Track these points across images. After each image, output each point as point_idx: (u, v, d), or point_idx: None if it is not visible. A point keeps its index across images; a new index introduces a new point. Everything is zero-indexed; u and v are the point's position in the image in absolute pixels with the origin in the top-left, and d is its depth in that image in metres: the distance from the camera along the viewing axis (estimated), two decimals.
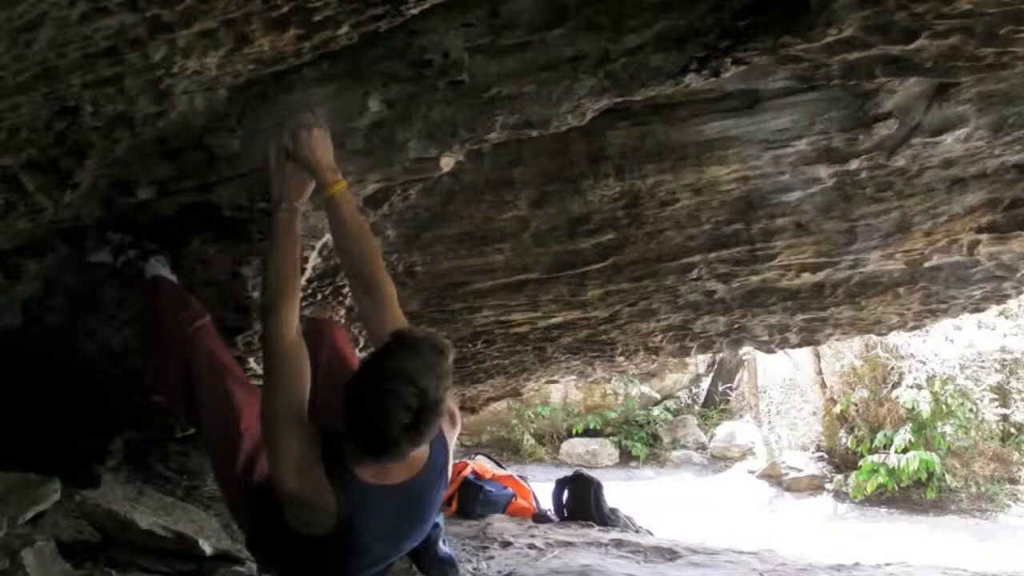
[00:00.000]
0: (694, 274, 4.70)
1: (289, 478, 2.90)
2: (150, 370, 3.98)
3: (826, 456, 15.80)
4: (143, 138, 3.01)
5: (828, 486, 15.09)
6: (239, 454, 3.28)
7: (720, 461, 17.37)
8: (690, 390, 19.46)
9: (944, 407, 14.06)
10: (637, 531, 8.01)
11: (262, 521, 3.18)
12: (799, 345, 6.07)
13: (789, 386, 17.22)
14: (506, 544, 6.39)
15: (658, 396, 18.54)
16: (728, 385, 19.30)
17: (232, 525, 4.69)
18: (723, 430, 17.99)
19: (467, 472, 8.06)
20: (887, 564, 6.63)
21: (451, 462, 3.24)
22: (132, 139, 2.98)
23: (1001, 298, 5.40)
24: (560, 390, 16.72)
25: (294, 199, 3.19)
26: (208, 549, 4.14)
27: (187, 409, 3.57)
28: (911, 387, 14.14)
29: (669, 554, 6.46)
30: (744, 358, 17.93)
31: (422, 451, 3.00)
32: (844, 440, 15.31)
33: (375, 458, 2.91)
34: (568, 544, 6.56)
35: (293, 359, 3.07)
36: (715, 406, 18.98)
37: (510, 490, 8.22)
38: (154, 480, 5.66)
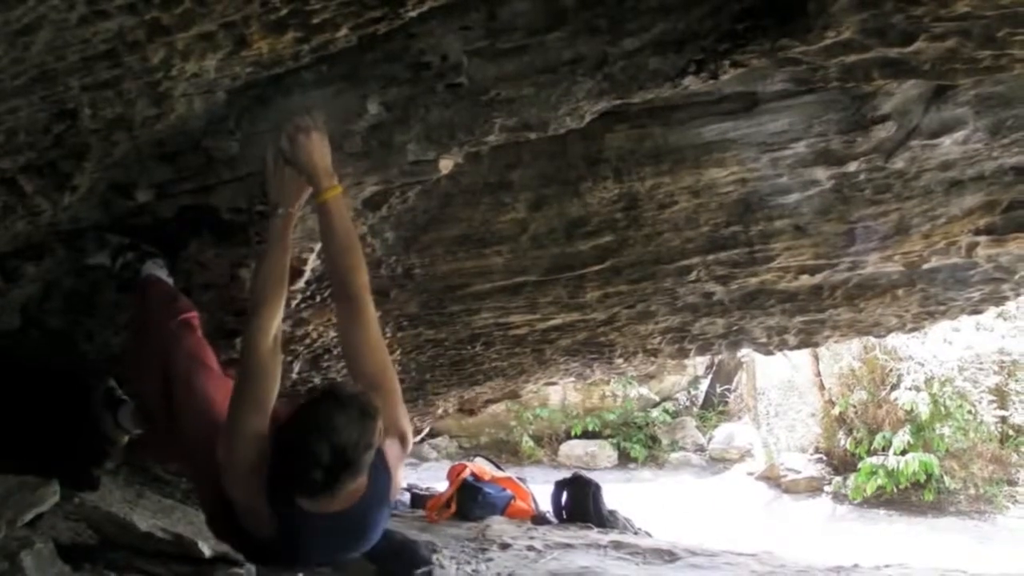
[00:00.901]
0: (693, 276, 4.70)
1: (235, 484, 2.96)
2: (129, 365, 3.99)
3: (825, 458, 15.81)
4: (141, 141, 3.01)
5: (827, 488, 15.10)
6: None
7: (719, 463, 17.38)
8: (689, 392, 19.48)
9: (943, 409, 14.07)
10: (636, 533, 8.01)
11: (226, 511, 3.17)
12: (798, 347, 6.07)
13: (788, 388, 17.23)
14: (505, 546, 6.40)
15: (657, 398, 18.55)
16: (727, 387, 19.31)
17: None
18: (722, 432, 18.01)
19: (466, 474, 8.07)
20: (886, 566, 6.63)
21: (398, 484, 3.22)
22: (130, 142, 2.98)
23: (999, 300, 5.41)
24: (559, 392, 16.74)
25: (290, 204, 3.20)
26: (207, 551, 4.13)
27: (161, 406, 3.52)
28: (910, 389, 14.14)
29: (668, 556, 6.47)
30: (743, 360, 17.94)
31: (358, 484, 2.95)
32: (843, 442, 15.32)
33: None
34: (567, 546, 6.57)
35: (263, 368, 3.08)
36: (714, 408, 19.00)
37: (509, 492, 8.23)
38: (152, 482, 5.66)
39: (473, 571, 5.69)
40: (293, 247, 3.32)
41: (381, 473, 3.05)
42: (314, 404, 2.90)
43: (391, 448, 3.10)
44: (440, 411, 7.52)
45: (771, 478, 15.91)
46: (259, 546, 3.13)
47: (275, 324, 3.15)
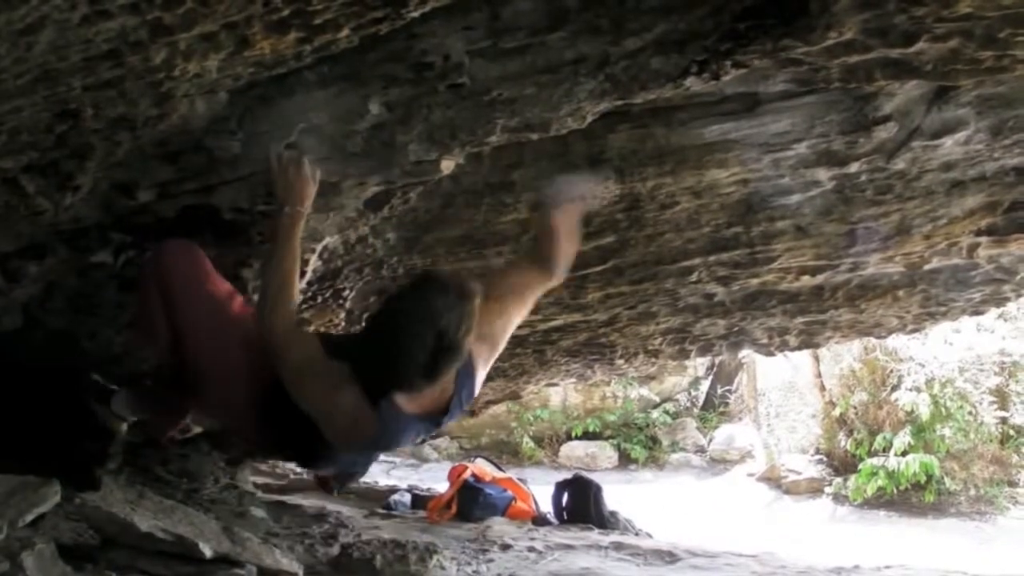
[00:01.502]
0: (694, 277, 4.71)
1: (339, 417, 3.13)
2: (139, 330, 3.90)
3: (825, 459, 15.80)
4: (144, 140, 3.01)
5: (827, 489, 15.09)
6: (236, 347, 3.36)
7: (719, 464, 17.38)
8: (689, 393, 19.48)
9: (943, 410, 14.07)
10: (637, 534, 8.01)
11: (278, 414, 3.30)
12: (798, 348, 6.08)
13: (788, 389, 17.22)
14: (506, 547, 6.39)
15: (657, 399, 18.55)
16: (727, 388, 19.31)
17: (232, 527, 4.69)
18: (722, 433, 18.01)
19: (467, 475, 8.06)
20: (887, 567, 6.62)
21: (476, 389, 3.40)
22: (133, 141, 2.99)
23: (1000, 301, 5.41)
24: (559, 393, 16.75)
25: (298, 204, 3.21)
26: (208, 552, 4.13)
27: (169, 339, 3.49)
28: (910, 390, 14.15)
29: (668, 557, 6.46)
30: (743, 361, 17.93)
31: (447, 384, 3.16)
32: (843, 443, 15.31)
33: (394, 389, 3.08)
34: (568, 547, 6.56)
35: (301, 336, 3.33)
36: (714, 409, 19.00)
37: (509, 493, 8.22)
38: (154, 483, 5.66)
39: (474, 572, 5.69)
40: None
41: (466, 380, 3.24)
42: (410, 290, 3.06)
43: (480, 351, 3.29)
44: None
45: (772, 479, 15.91)
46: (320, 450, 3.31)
47: (294, 319, 3.29)
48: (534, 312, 4.86)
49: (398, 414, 3.11)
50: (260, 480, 8.26)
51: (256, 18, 2.49)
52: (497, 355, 3.49)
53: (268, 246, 3.34)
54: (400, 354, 2.95)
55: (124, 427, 4.27)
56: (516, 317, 3.50)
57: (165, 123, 2.93)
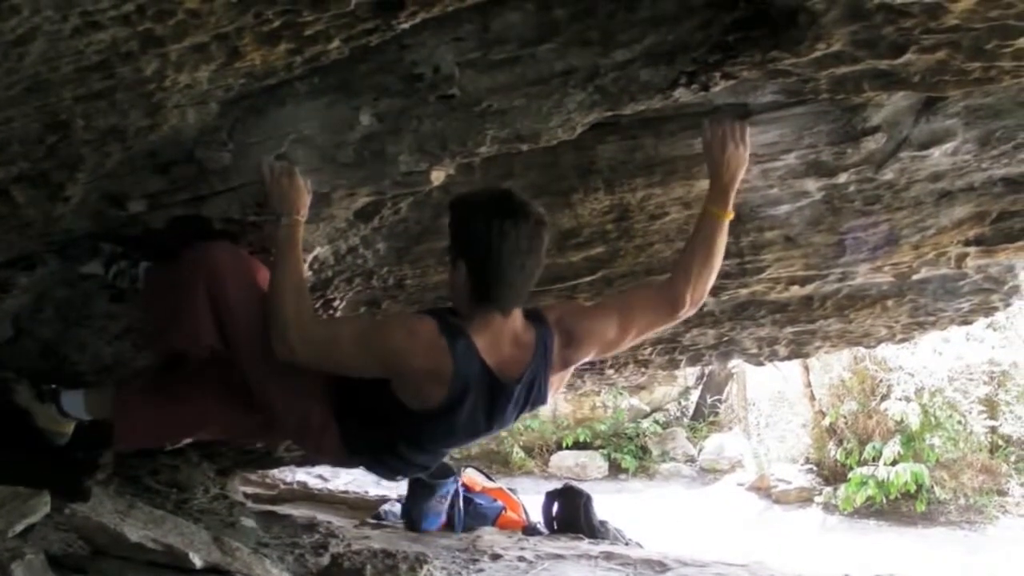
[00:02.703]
0: None
1: (419, 361, 3.12)
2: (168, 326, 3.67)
3: (815, 468, 15.82)
4: (134, 151, 3.02)
5: (817, 498, 15.10)
6: None
7: (709, 473, 17.38)
8: (679, 403, 19.49)
9: (933, 419, 14.10)
10: (627, 543, 8.02)
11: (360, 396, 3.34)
12: (788, 358, 6.08)
13: (778, 399, 17.27)
14: (496, 557, 6.40)
15: (647, 409, 18.55)
16: (717, 397, 19.32)
17: (223, 537, 4.69)
18: (712, 442, 18.00)
19: (457, 485, 8.07)
20: None
21: (552, 389, 3.44)
22: (123, 152, 2.99)
23: (989, 310, 5.42)
24: (549, 403, 16.71)
25: (294, 212, 3.22)
26: (198, 562, 4.13)
27: (219, 334, 3.45)
28: (900, 399, 14.17)
29: (659, 567, 6.48)
30: (733, 371, 17.97)
31: (525, 348, 3.25)
32: (833, 452, 15.33)
33: (485, 302, 3.17)
34: (558, 557, 6.58)
35: (331, 324, 3.51)
36: (704, 419, 19.01)
37: (500, 503, 8.24)
38: (144, 493, 5.66)
39: None
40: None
41: (544, 350, 3.29)
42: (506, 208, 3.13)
43: (561, 336, 3.35)
44: None
45: (761, 489, 15.91)
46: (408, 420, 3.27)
47: (311, 323, 3.30)
48: None
49: (474, 355, 3.13)
50: (250, 490, 8.27)
51: (247, 29, 2.50)
52: (579, 361, 3.49)
53: (273, 259, 3.34)
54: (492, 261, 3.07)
55: (70, 429, 4.09)
56: (612, 332, 3.45)
57: (156, 134, 2.93)
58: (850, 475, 14.42)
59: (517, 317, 3.24)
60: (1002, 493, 14.50)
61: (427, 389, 3.15)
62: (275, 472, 9.09)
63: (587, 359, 3.56)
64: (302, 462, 7.37)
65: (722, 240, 3.52)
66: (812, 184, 4.06)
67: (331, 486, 9.97)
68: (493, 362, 3.17)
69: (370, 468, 3.75)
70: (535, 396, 3.33)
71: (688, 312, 3.52)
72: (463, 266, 3.14)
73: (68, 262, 3.60)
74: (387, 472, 3.74)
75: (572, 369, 3.55)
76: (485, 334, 3.17)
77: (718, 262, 3.54)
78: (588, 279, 4.55)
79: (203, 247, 3.43)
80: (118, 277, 3.62)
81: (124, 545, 4.07)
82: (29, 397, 3.97)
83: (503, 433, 16.45)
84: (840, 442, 15.28)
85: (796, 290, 4.91)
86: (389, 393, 3.21)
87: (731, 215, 3.54)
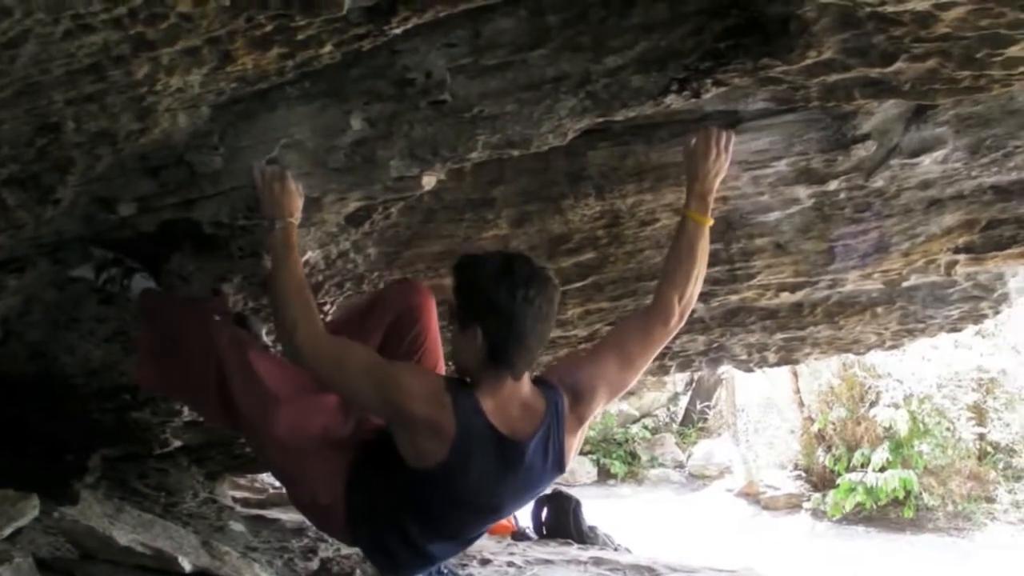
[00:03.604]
0: None
1: (417, 406, 3.03)
2: (174, 388, 3.87)
3: (804, 474, 15.88)
4: (125, 154, 3.01)
5: (806, 504, 15.16)
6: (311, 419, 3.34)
7: (698, 479, 17.43)
8: (668, 408, 19.56)
9: (921, 426, 14.16)
10: (616, 549, 8.03)
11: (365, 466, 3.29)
12: (778, 364, 6.08)
13: (767, 405, 17.32)
14: (485, 562, 6.40)
15: (636, 414, 18.60)
16: (706, 403, 19.38)
17: (211, 542, 4.69)
18: (701, 448, 18.07)
19: None
20: None
21: (569, 453, 3.32)
22: (114, 156, 2.98)
23: (978, 318, 5.43)
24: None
25: (288, 216, 3.21)
26: (187, 566, 4.13)
27: (224, 412, 3.48)
28: (888, 406, 14.23)
29: (648, 572, 6.48)
30: (722, 377, 18.00)
31: (535, 413, 3.16)
32: (822, 459, 15.39)
33: (499, 366, 3.08)
34: (547, 562, 6.58)
35: (343, 345, 3.22)
36: (693, 424, 19.07)
37: None
38: (132, 497, 5.65)
39: None
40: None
41: (556, 411, 3.20)
42: (506, 271, 3.06)
43: (568, 396, 3.26)
44: None
45: (750, 495, 15.97)
46: (413, 484, 3.18)
47: (320, 324, 3.28)
48: None
49: (480, 416, 3.05)
50: (239, 494, 8.25)
51: (239, 33, 2.50)
52: (593, 414, 3.43)
53: (271, 263, 3.33)
54: (505, 323, 3.01)
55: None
56: (615, 372, 3.40)
57: (147, 137, 2.93)
58: (839, 481, 14.47)
59: (526, 382, 3.17)
60: (990, 500, 14.56)
61: (424, 443, 3.06)
62: (264, 476, 9.08)
63: (600, 409, 3.51)
64: None
65: (705, 246, 3.50)
66: (802, 191, 4.07)
67: None
68: (501, 424, 3.09)
69: (371, 554, 3.66)
70: (552, 462, 3.22)
71: (680, 321, 3.49)
72: (478, 331, 3.05)
73: (58, 265, 3.59)
74: (388, 561, 3.53)
75: (587, 427, 3.46)
76: (494, 397, 3.10)
77: (703, 268, 3.52)
78: (578, 285, 4.55)
79: (208, 327, 3.47)
80: (108, 283, 3.61)
81: (113, 549, 4.06)
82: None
83: None
84: (829, 448, 15.34)
85: (786, 296, 4.92)
86: (394, 451, 3.15)
87: (711, 221, 3.52)
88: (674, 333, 3.55)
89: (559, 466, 3.26)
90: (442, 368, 3.72)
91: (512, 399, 3.12)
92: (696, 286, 3.50)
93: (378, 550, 3.49)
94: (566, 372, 3.35)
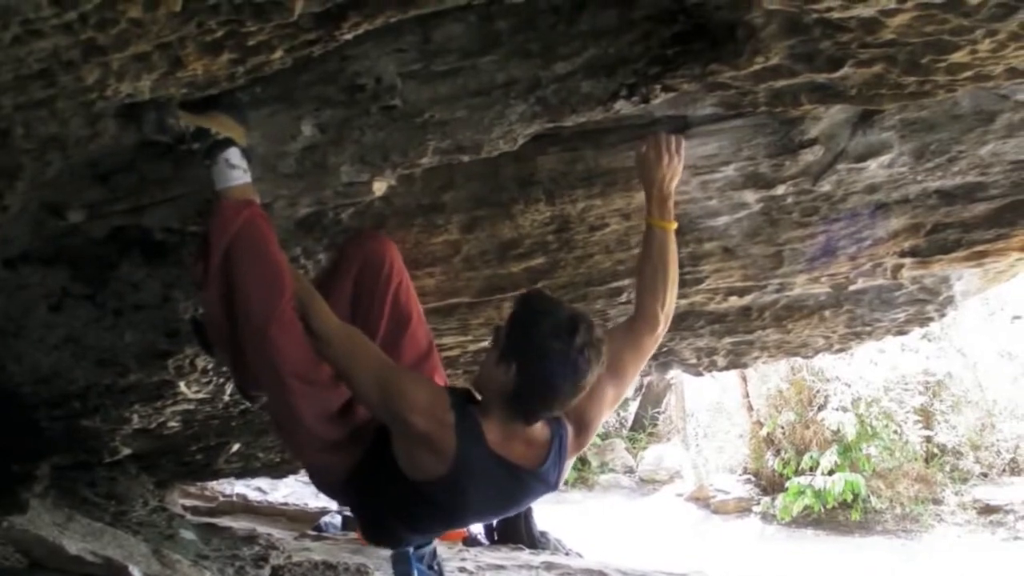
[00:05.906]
0: (623, 298, 4.73)
1: (418, 419, 3.00)
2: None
3: (753, 478, 15.97)
4: (75, 161, 2.99)
5: (755, 508, 15.25)
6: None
7: (648, 484, 17.49)
8: (618, 413, 19.55)
9: (869, 429, 14.29)
10: (567, 554, 8.06)
11: (367, 459, 3.25)
12: (726, 368, 6.11)
13: (716, 409, 17.41)
14: None
15: None
16: (656, 409, 19.44)
17: (162, 550, 4.66)
18: (651, 453, 18.12)
19: None
20: None
21: (563, 475, 3.32)
22: (63, 161, 2.96)
23: (924, 321, 5.48)
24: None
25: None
26: (138, 574, 4.11)
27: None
28: (837, 409, 14.35)
29: None
30: (672, 381, 18.07)
31: (539, 446, 3.15)
32: (771, 462, 15.49)
33: (517, 409, 3.06)
34: (499, 567, 6.58)
35: (353, 334, 3.20)
36: (643, 429, 19.12)
37: None
38: (82, 505, 5.61)
39: None
40: None
41: (560, 443, 3.21)
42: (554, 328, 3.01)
43: (570, 435, 3.27)
44: None
45: (700, 499, 16.04)
46: (411, 493, 3.14)
47: (325, 305, 3.22)
48: (463, 333, 4.89)
49: (481, 442, 3.04)
50: (189, 502, 8.22)
51: (189, 39, 2.49)
52: (592, 436, 3.45)
53: None
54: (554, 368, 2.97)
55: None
56: (610, 389, 3.38)
57: (96, 143, 2.91)
58: (788, 485, 14.57)
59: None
60: (937, 502, 14.70)
61: (420, 456, 3.05)
62: (214, 484, 9.03)
63: (599, 429, 3.56)
64: (241, 474, 7.33)
65: (674, 250, 3.55)
66: (750, 196, 4.10)
67: (271, 498, 9.93)
68: (505, 452, 3.09)
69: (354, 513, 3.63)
70: (549, 484, 3.24)
71: (665, 328, 3.54)
72: (514, 370, 3.01)
73: (5, 270, 3.55)
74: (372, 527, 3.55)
75: (584, 451, 3.50)
76: (500, 429, 3.09)
77: (676, 271, 3.58)
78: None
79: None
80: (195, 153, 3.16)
81: (62, 558, 4.03)
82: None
83: None
84: (778, 452, 15.44)
85: (734, 301, 4.95)
86: (391, 460, 3.13)
87: (675, 224, 3.57)
88: (660, 339, 3.59)
89: (553, 487, 3.28)
90: (421, 319, 3.74)
91: (517, 434, 3.13)
92: (674, 290, 3.56)
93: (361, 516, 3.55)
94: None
